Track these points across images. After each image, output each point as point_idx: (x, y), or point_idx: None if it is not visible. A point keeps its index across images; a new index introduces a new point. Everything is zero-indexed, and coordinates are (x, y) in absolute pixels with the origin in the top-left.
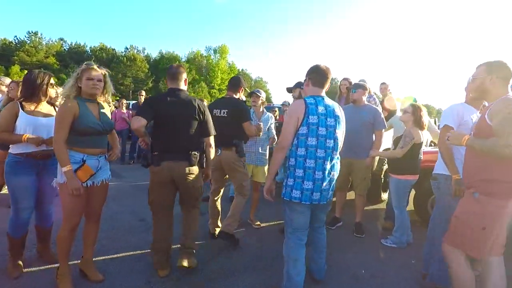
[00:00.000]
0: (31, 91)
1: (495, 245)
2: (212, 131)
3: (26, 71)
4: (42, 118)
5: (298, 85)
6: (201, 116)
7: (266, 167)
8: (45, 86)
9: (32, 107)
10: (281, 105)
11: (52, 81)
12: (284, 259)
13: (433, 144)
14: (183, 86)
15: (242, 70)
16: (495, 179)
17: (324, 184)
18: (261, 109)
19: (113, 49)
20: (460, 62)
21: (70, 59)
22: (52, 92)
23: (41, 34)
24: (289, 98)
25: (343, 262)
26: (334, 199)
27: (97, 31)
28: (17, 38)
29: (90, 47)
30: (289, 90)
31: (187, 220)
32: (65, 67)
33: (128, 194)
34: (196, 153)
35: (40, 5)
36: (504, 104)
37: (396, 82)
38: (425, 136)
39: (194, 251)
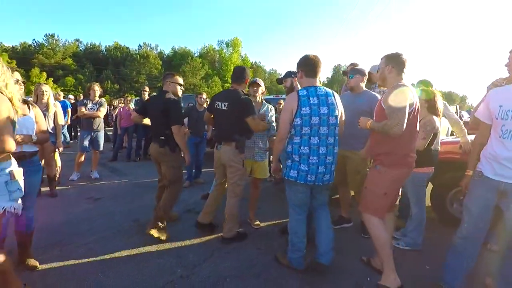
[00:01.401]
0: None
1: (392, 205)
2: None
3: (45, 73)
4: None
5: (288, 74)
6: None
7: (266, 162)
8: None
9: None
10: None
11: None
12: (288, 228)
13: (454, 134)
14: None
15: (255, 62)
16: (389, 152)
17: (320, 168)
18: (259, 100)
19: (127, 48)
20: (486, 45)
21: (86, 60)
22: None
23: (58, 36)
24: None
25: (345, 267)
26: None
27: (111, 30)
28: (35, 41)
29: (105, 47)
30: (280, 81)
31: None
32: (81, 68)
33: (127, 192)
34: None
35: (56, 7)
36: (392, 91)
37: (413, 67)
38: (444, 124)
39: (161, 224)
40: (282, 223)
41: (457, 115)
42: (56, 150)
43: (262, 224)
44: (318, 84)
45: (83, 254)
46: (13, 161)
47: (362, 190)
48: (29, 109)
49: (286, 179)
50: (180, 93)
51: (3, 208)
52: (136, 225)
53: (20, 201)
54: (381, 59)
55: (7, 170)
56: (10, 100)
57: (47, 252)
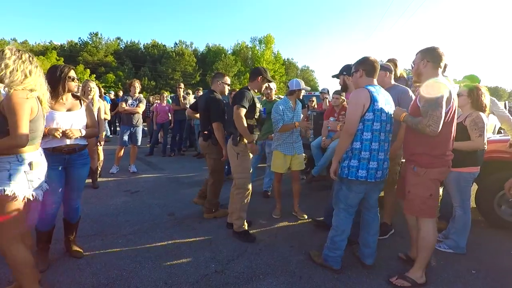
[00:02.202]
0: (52, 85)
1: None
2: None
3: (88, 70)
4: (62, 112)
5: (341, 72)
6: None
7: (303, 155)
8: (64, 80)
9: (53, 102)
10: (319, 93)
11: (72, 74)
12: (332, 226)
13: (502, 131)
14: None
15: (288, 59)
16: (424, 153)
17: (385, 163)
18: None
19: (164, 45)
20: None
21: (126, 57)
22: (72, 85)
23: (101, 34)
24: (329, 85)
25: (379, 268)
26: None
27: (149, 28)
28: (81, 40)
29: (143, 44)
30: (337, 76)
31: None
32: (121, 65)
33: (163, 187)
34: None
35: (99, 6)
36: (426, 87)
37: (455, 61)
38: (491, 121)
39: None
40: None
41: (506, 111)
42: (99, 144)
43: (292, 223)
44: (377, 84)
45: (123, 244)
46: (37, 152)
47: (406, 195)
48: (80, 104)
49: (348, 180)
50: (226, 92)
51: (23, 195)
52: (172, 218)
53: (43, 188)
54: (416, 54)
55: (27, 161)
56: (32, 91)
57: (90, 241)
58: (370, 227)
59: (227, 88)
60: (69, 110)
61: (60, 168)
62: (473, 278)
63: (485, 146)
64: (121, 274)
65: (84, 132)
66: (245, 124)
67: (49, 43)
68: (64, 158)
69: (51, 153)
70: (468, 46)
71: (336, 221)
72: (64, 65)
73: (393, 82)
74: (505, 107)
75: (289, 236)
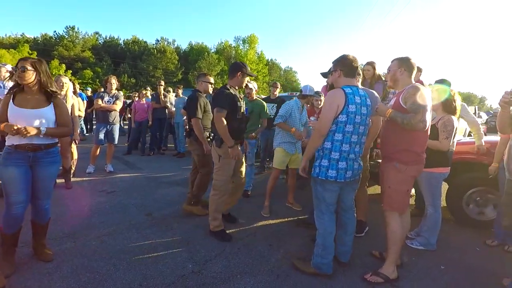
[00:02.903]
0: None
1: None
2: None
3: (64, 65)
4: (25, 110)
5: (330, 71)
6: None
7: (301, 155)
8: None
9: (20, 97)
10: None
11: (22, 64)
12: (318, 232)
13: (472, 135)
14: None
15: (271, 60)
16: (407, 149)
17: (355, 164)
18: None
19: (145, 42)
20: (506, 46)
21: (105, 53)
22: (24, 76)
23: (78, 29)
24: (314, 85)
25: (354, 265)
26: None
27: (129, 23)
28: (56, 33)
29: (123, 40)
30: (325, 75)
31: None
32: (99, 61)
33: (141, 186)
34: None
35: None
36: (413, 90)
37: (428, 67)
38: (462, 125)
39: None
40: (294, 220)
41: (476, 116)
42: (74, 142)
43: (272, 222)
44: (356, 84)
45: (96, 246)
46: None
47: (386, 190)
48: (50, 101)
49: (320, 180)
50: (210, 91)
51: None
52: (149, 219)
53: None
54: (392, 61)
55: None
56: None
57: (61, 244)
58: (347, 227)
59: (210, 87)
60: (34, 107)
61: (25, 166)
62: (442, 273)
63: (452, 148)
64: (93, 277)
65: (44, 130)
66: (225, 128)
67: (21, 35)
68: (29, 155)
69: (14, 150)
70: (443, 52)
71: (321, 225)
72: (24, 57)
73: (360, 86)
74: (475, 112)
75: (268, 235)
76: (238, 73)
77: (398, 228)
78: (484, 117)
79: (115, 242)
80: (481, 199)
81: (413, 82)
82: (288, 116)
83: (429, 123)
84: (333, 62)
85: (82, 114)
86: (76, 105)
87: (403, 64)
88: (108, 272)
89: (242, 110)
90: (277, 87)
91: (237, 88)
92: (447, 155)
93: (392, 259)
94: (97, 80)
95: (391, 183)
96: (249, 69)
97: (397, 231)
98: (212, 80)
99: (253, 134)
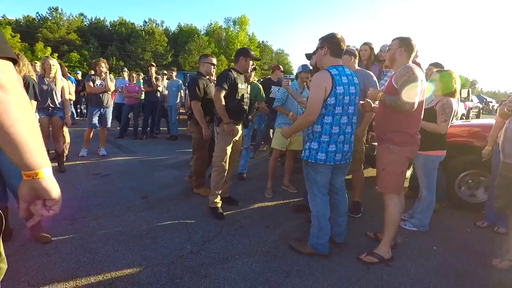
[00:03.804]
0: None
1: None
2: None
3: (49, 48)
4: None
5: (315, 52)
6: None
7: (301, 137)
8: None
9: None
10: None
11: None
12: (312, 214)
13: (464, 118)
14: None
15: (263, 42)
16: (400, 130)
17: (345, 146)
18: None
19: (132, 23)
20: (497, 30)
21: (91, 35)
22: None
23: (62, 10)
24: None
25: (349, 246)
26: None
27: (115, 4)
28: (39, 15)
29: (110, 22)
30: (308, 57)
31: None
32: (86, 43)
33: (135, 169)
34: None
35: None
36: (404, 70)
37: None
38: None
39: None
40: (290, 202)
41: (469, 99)
42: (65, 125)
43: (268, 204)
44: (341, 64)
45: (94, 228)
46: None
47: (380, 172)
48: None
49: (311, 163)
50: (214, 72)
51: None
52: (145, 201)
53: None
54: (393, 40)
55: None
56: None
57: (58, 226)
58: (338, 208)
59: (212, 68)
60: None
61: None
62: (434, 253)
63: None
64: (93, 258)
65: None
66: (222, 105)
67: (2, 17)
68: None
69: None
70: (432, 36)
71: (315, 207)
72: None
73: (357, 67)
74: (468, 95)
75: (265, 217)
76: (241, 58)
77: (396, 211)
78: (475, 100)
79: (113, 224)
80: (473, 181)
81: (410, 63)
82: (285, 99)
83: (416, 103)
84: (320, 39)
85: (73, 97)
86: (66, 88)
87: (404, 44)
88: (107, 253)
89: (243, 93)
90: (280, 70)
91: (242, 72)
92: (444, 138)
93: (388, 240)
94: (85, 63)
95: (385, 164)
96: (253, 53)
97: (396, 214)
98: (214, 61)
99: (250, 117)
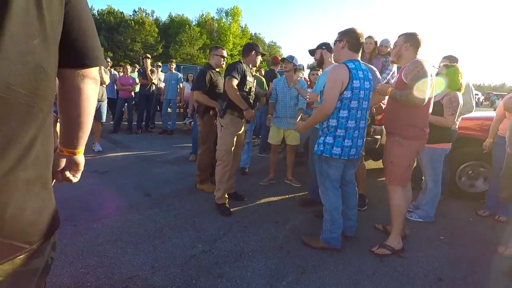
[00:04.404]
0: None
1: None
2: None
3: None
4: None
5: (320, 46)
6: None
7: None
8: None
9: None
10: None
11: None
12: (325, 208)
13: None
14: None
15: (255, 34)
16: (410, 124)
17: (359, 141)
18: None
19: (121, 12)
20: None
21: None
22: None
23: None
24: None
25: (359, 239)
26: None
27: None
28: None
29: (98, 11)
30: (312, 52)
31: None
32: None
33: (134, 166)
34: None
35: None
36: (413, 65)
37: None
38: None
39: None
40: (295, 197)
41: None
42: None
43: (273, 199)
44: (358, 59)
45: (99, 229)
46: None
47: (388, 165)
48: None
49: (325, 157)
50: (223, 64)
51: None
52: (149, 199)
53: None
54: (399, 36)
55: None
56: None
57: (61, 228)
58: (348, 201)
59: (222, 60)
60: None
61: None
62: (442, 243)
63: (456, 126)
64: (101, 261)
65: None
66: (237, 93)
67: None
68: None
69: None
70: (429, 31)
71: (328, 201)
72: None
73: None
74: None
75: (272, 212)
76: (253, 52)
77: (402, 202)
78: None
79: (118, 224)
80: (473, 172)
81: (418, 58)
82: (275, 94)
83: (427, 98)
84: (339, 33)
85: None
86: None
87: (409, 40)
88: (116, 255)
89: (250, 86)
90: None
91: (251, 66)
92: (450, 131)
93: (397, 232)
94: None
95: (393, 157)
96: (260, 48)
97: (401, 205)
98: (225, 53)
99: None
